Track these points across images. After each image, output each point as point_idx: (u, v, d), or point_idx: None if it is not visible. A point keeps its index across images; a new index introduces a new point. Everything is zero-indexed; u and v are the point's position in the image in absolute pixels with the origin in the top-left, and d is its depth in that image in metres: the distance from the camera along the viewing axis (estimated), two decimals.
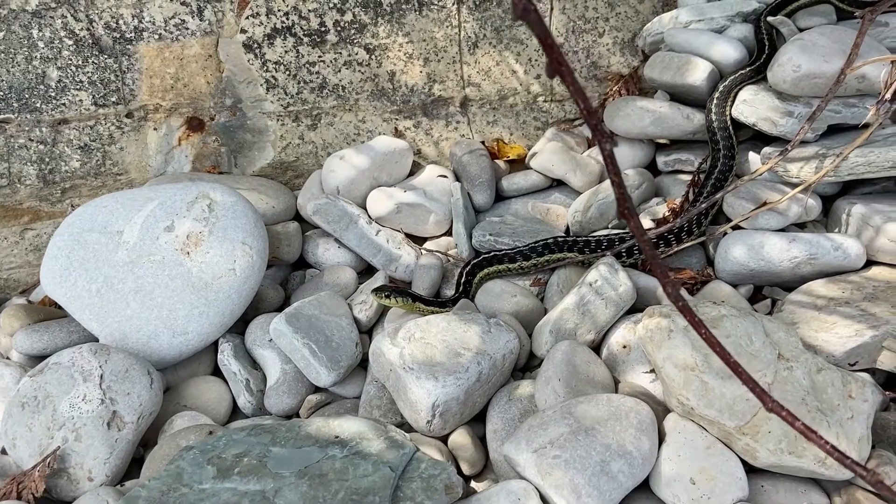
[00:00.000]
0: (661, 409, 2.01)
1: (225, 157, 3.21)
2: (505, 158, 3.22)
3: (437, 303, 2.49)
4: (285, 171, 3.25)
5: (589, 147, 3.21)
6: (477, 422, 2.17)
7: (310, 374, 2.33)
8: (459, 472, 2.07)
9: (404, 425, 2.16)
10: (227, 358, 2.44)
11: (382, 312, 2.60)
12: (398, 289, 2.48)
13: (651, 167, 3.09)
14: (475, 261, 2.59)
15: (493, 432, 2.09)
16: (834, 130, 2.64)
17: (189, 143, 3.16)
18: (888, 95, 2.16)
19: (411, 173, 3.19)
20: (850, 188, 2.75)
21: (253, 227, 2.53)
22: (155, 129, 3.11)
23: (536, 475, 1.78)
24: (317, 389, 2.40)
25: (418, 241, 2.97)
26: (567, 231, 2.89)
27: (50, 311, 2.74)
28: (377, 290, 2.44)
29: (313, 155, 3.23)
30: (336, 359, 2.33)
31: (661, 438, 1.90)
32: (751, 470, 1.88)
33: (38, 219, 3.09)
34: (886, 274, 2.41)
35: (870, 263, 2.48)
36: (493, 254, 2.60)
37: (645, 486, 1.87)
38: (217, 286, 2.44)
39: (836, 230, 2.62)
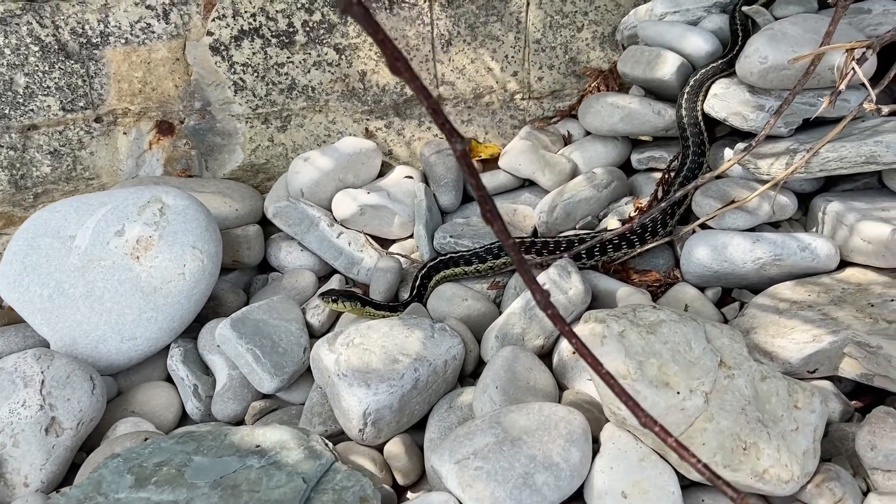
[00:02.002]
0: (605, 419, 1.92)
1: (196, 160, 3.19)
2: (477, 158, 3.14)
3: (387, 307, 2.42)
4: (256, 174, 3.22)
5: (564, 145, 3.11)
6: (418, 430, 2.10)
7: (253, 380, 2.28)
8: (394, 482, 2.01)
9: (342, 434, 2.10)
10: (175, 363, 2.40)
11: (336, 317, 2.54)
12: (347, 293, 2.41)
13: (626, 165, 2.98)
14: (431, 263, 2.52)
15: (429, 441, 2.01)
16: (813, 124, 2.51)
17: (160, 147, 3.15)
18: (842, 87, 2.03)
19: (382, 174, 3.13)
20: (831, 185, 2.61)
21: (204, 231, 2.49)
22: (125, 133, 3.10)
23: (458, 487, 1.70)
24: (263, 396, 2.35)
25: (385, 243, 2.90)
26: (535, 232, 2.80)
27: (14, 317, 2.74)
28: (324, 295, 2.38)
29: (283, 157, 3.19)
30: (281, 365, 2.28)
31: (598, 449, 1.81)
32: (692, 484, 1.78)
33: (11, 224, 3.11)
34: (859, 276, 2.27)
35: (845, 264, 2.34)
36: (449, 256, 2.52)
37: (579, 499, 1.78)
38: (166, 291, 2.41)
39: (814, 229, 2.48)
